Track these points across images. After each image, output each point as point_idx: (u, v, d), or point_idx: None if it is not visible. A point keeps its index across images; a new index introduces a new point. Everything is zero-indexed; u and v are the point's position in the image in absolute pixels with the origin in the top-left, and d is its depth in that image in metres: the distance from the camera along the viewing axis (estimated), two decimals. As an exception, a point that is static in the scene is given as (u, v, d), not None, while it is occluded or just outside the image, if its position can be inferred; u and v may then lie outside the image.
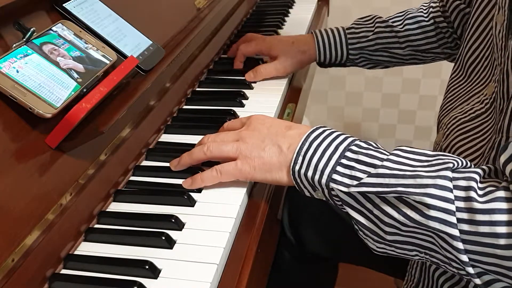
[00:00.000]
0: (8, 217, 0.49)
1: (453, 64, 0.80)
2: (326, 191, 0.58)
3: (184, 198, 0.62)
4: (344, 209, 0.57)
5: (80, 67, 0.62)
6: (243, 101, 0.86)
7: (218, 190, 0.65)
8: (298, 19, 1.26)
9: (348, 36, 0.97)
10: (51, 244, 0.53)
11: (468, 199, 0.49)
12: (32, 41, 0.59)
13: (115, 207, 0.64)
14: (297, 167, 0.59)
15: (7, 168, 0.51)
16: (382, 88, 1.88)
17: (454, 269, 0.53)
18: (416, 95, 1.86)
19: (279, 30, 1.18)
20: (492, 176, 0.54)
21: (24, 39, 0.58)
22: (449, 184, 0.50)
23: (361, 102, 1.93)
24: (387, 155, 0.56)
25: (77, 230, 0.58)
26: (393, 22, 0.97)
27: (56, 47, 0.61)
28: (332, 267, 1.05)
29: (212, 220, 0.60)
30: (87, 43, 0.66)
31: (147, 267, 0.53)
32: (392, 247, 0.56)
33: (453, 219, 0.49)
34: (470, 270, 0.50)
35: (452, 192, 0.49)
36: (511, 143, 0.49)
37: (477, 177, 0.51)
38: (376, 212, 0.54)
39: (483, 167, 0.53)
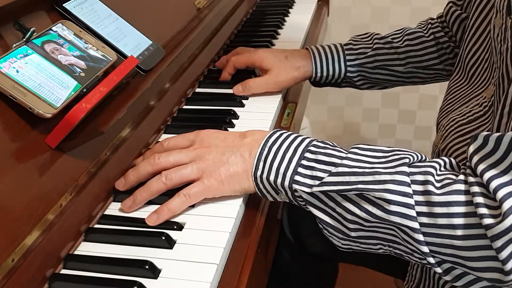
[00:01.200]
0: (8, 217, 0.49)
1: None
2: (289, 193, 0.59)
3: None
4: (308, 208, 0.58)
5: (81, 63, 0.62)
6: (243, 101, 0.86)
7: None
8: (298, 19, 1.26)
9: (346, 52, 0.93)
10: (51, 244, 0.53)
11: (426, 192, 0.51)
12: (32, 41, 0.59)
13: (115, 207, 0.64)
14: (258, 173, 0.60)
15: (7, 168, 0.51)
16: (382, 88, 1.88)
17: (416, 259, 0.55)
18: (416, 95, 1.86)
19: (279, 30, 1.19)
20: (448, 168, 0.55)
21: (24, 39, 0.58)
22: (406, 179, 0.51)
23: (361, 102, 1.93)
24: (345, 154, 0.57)
25: (77, 230, 0.58)
26: (392, 38, 0.94)
27: (58, 46, 0.61)
28: (332, 267, 1.05)
29: (212, 220, 0.60)
30: (87, 43, 0.66)
31: (147, 267, 0.53)
32: (356, 243, 0.58)
33: (412, 213, 0.51)
34: (431, 260, 0.52)
35: (410, 186, 0.51)
36: (480, 134, 0.50)
37: (434, 171, 0.52)
38: (338, 210, 0.55)
39: (439, 160, 0.55)
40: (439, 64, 0.92)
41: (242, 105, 0.85)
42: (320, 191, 0.56)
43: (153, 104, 0.76)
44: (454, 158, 0.65)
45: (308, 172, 0.57)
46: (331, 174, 0.55)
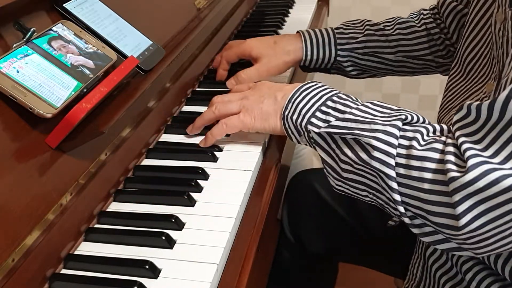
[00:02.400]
0: (8, 217, 0.49)
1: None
2: (305, 133, 0.65)
3: (184, 198, 0.62)
4: (316, 149, 0.64)
5: (90, 63, 0.62)
6: (243, 101, 0.86)
7: (218, 190, 0.65)
8: (298, 19, 1.26)
9: (337, 36, 0.92)
10: (51, 244, 0.53)
11: (409, 147, 0.55)
12: (32, 41, 0.59)
13: (115, 207, 0.64)
14: (286, 112, 0.67)
15: (7, 168, 0.51)
16: (382, 88, 1.88)
17: (392, 210, 0.59)
18: (416, 95, 1.86)
19: (279, 30, 1.19)
20: (445, 134, 0.58)
21: (24, 39, 0.58)
22: (396, 132, 0.56)
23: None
24: (358, 105, 0.63)
25: (77, 230, 0.58)
26: (384, 26, 0.93)
27: (65, 44, 0.61)
28: (332, 267, 1.05)
29: (212, 220, 0.60)
30: (87, 43, 0.66)
31: (147, 267, 0.53)
32: (347, 184, 0.62)
33: (391, 161, 0.55)
34: (401, 209, 0.56)
35: (397, 139, 0.56)
36: (465, 104, 0.53)
37: (424, 131, 0.57)
38: (337, 151, 0.61)
39: (435, 125, 0.59)
40: (429, 55, 0.92)
41: (242, 105, 0.85)
42: (326, 132, 0.61)
43: (153, 104, 0.76)
44: None
45: (323, 116, 0.63)
46: (338, 119, 0.62)
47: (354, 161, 0.58)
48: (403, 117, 0.58)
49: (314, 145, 0.64)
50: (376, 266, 0.93)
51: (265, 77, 0.88)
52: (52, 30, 0.63)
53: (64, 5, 0.67)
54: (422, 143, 0.55)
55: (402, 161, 0.55)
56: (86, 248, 0.58)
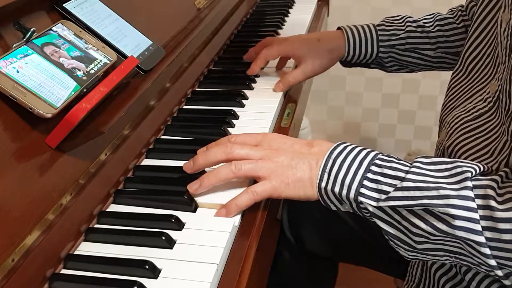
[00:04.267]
0: (8, 217, 0.49)
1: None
2: (354, 204, 0.59)
3: (184, 198, 0.62)
4: (373, 220, 0.58)
5: (83, 66, 0.62)
6: (243, 101, 0.86)
7: (218, 190, 0.65)
8: (298, 19, 1.26)
9: (379, 32, 0.93)
10: (51, 244, 0.53)
11: (488, 207, 0.51)
12: (32, 41, 0.59)
13: (115, 207, 0.64)
14: (323, 184, 0.60)
15: (7, 168, 0.51)
16: (382, 88, 1.88)
17: (484, 270, 0.55)
18: (416, 95, 1.87)
19: (279, 30, 1.19)
20: (511, 178, 0.55)
21: (24, 39, 0.58)
22: (470, 193, 0.52)
23: (361, 102, 1.93)
24: (409, 167, 0.57)
25: (77, 230, 0.58)
26: (424, 22, 0.94)
27: (57, 49, 0.61)
28: (332, 267, 1.05)
29: (212, 220, 0.60)
30: (87, 43, 0.66)
31: (147, 267, 0.53)
32: (423, 254, 0.58)
33: (478, 227, 0.51)
34: (499, 272, 0.53)
35: (474, 201, 0.51)
36: None
37: (495, 185, 0.52)
38: (404, 223, 0.56)
39: (500, 173, 0.55)
40: None
41: (242, 105, 0.85)
42: (387, 206, 0.56)
43: (153, 104, 0.76)
44: (461, 154, 0.65)
45: (373, 185, 0.57)
46: (397, 188, 0.55)
47: (431, 233, 0.54)
48: (469, 174, 0.53)
49: (367, 215, 0.59)
50: (376, 266, 0.93)
51: (310, 77, 0.90)
52: (52, 30, 0.63)
53: (64, 5, 0.67)
54: (499, 199, 0.51)
55: (488, 224, 0.51)
56: (86, 248, 0.58)
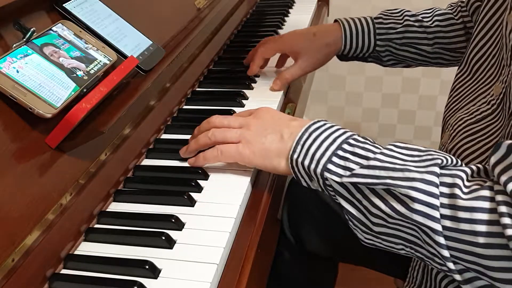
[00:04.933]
0: (8, 217, 0.49)
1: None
2: (321, 181, 0.59)
3: (184, 198, 0.62)
4: (337, 199, 0.58)
5: (83, 66, 0.62)
6: (243, 101, 0.86)
7: (218, 190, 0.65)
8: (298, 19, 1.26)
9: (377, 26, 0.92)
10: (51, 244, 0.53)
11: (452, 195, 0.50)
12: (32, 41, 0.59)
13: (115, 207, 0.64)
14: (295, 156, 0.60)
15: (7, 168, 0.51)
16: (382, 88, 1.88)
17: (437, 265, 0.54)
18: (416, 95, 1.86)
19: (279, 30, 1.19)
20: (482, 175, 0.54)
21: (24, 39, 0.58)
22: (435, 179, 0.50)
23: (361, 102, 1.93)
24: (381, 149, 0.57)
25: (77, 230, 0.58)
26: (422, 17, 0.93)
27: (56, 49, 0.61)
28: (332, 267, 1.05)
29: (212, 220, 0.60)
30: (87, 43, 0.66)
31: (147, 267, 0.53)
32: (379, 238, 0.57)
33: (436, 214, 0.50)
34: (451, 265, 0.51)
35: (438, 187, 0.50)
36: (503, 143, 0.49)
37: (464, 175, 0.51)
38: (365, 202, 0.55)
39: (472, 166, 0.54)
40: (466, 48, 0.91)
41: (242, 105, 0.85)
42: (350, 182, 0.55)
43: (153, 104, 0.76)
44: (463, 158, 0.64)
45: (341, 162, 0.57)
46: (363, 166, 0.55)
47: (389, 214, 0.53)
48: (439, 161, 0.52)
49: (332, 193, 0.59)
50: (376, 266, 0.93)
51: (308, 72, 0.89)
52: (52, 30, 0.63)
53: (64, 5, 0.67)
54: (465, 190, 0.50)
55: (447, 212, 0.49)
56: (86, 248, 0.58)
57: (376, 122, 1.96)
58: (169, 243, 0.56)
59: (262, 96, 0.89)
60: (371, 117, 1.95)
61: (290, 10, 1.32)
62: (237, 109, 0.83)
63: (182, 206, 0.62)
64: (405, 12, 0.94)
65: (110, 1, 0.74)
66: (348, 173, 0.56)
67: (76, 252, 0.57)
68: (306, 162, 0.59)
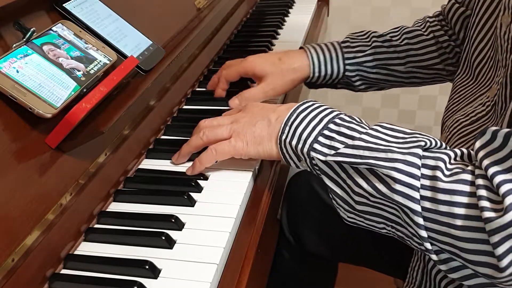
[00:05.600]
0: (8, 217, 0.49)
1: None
2: (307, 160, 0.60)
3: (184, 198, 0.62)
4: (322, 177, 0.59)
5: (82, 66, 0.62)
6: (243, 101, 0.86)
7: (218, 190, 0.65)
8: (298, 19, 1.26)
9: (344, 50, 0.89)
10: (51, 244, 0.53)
11: (433, 178, 0.50)
12: (32, 41, 0.59)
13: (115, 207, 0.64)
14: (283, 136, 0.62)
15: (7, 168, 0.51)
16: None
17: (416, 244, 0.55)
18: (416, 95, 1.86)
19: (279, 30, 1.19)
20: (465, 159, 0.54)
21: (24, 39, 0.58)
22: (417, 161, 0.51)
23: (361, 102, 1.93)
24: (367, 129, 0.58)
25: (77, 230, 0.58)
26: (391, 36, 0.90)
27: (56, 49, 0.61)
28: (332, 267, 1.05)
29: (212, 220, 0.60)
30: (87, 43, 0.66)
31: (147, 267, 0.53)
32: (361, 217, 0.58)
33: (416, 195, 0.51)
34: (428, 246, 0.52)
35: (419, 169, 0.51)
36: (488, 129, 0.50)
37: (446, 158, 0.52)
38: (348, 181, 0.56)
39: (456, 150, 0.55)
40: (440, 64, 0.89)
41: (242, 105, 0.85)
42: (334, 161, 0.57)
43: (153, 104, 0.76)
44: None
45: (327, 141, 0.58)
46: (347, 146, 0.56)
47: (371, 193, 0.54)
48: (422, 143, 0.53)
49: (318, 172, 0.60)
50: (376, 267, 0.93)
51: (271, 97, 0.85)
52: (52, 30, 0.63)
53: (64, 5, 0.67)
54: (447, 173, 0.51)
55: (427, 194, 0.50)
56: (86, 248, 0.58)
57: (376, 122, 1.96)
58: (169, 243, 0.56)
59: (262, 96, 0.89)
60: (371, 117, 1.95)
61: (290, 10, 1.32)
62: (237, 109, 0.83)
63: (182, 206, 0.62)
64: (372, 33, 0.91)
65: (110, 1, 0.74)
66: (333, 152, 0.57)
67: (76, 252, 0.57)
68: (294, 142, 0.60)
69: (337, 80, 0.92)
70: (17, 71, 0.55)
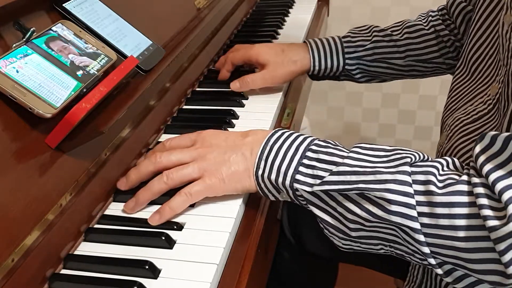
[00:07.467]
0: (8, 217, 0.49)
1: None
2: (290, 192, 0.58)
3: (184, 198, 0.62)
4: (309, 208, 0.58)
5: (90, 63, 0.62)
6: (243, 101, 0.86)
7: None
8: (298, 19, 1.26)
9: (345, 44, 0.92)
10: (51, 244, 0.53)
11: (427, 192, 0.50)
12: (32, 41, 0.59)
13: (115, 207, 0.64)
14: (260, 172, 0.60)
15: (7, 168, 0.51)
16: (382, 88, 1.88)
17: (417, 260, 0.54)
18: (416, 95, 1.87)
19: (279, 30, 1.19)
20: (452, 168, 0.54)
21: (24, 39, 0.58)
22: (408, 178, 0.51)
23: (361, 102, 1.93)
24: (347, 153, 0.57)
25: (77, 230, 0.58)
26: (392, 31, 0.92)
27: (66, 45, 0.61)
28: (332, 267, 1.05)
29: (212, 220, 0.60)
30: (87, 43, 0.66)
31: (147, 267, 0.53)
32: (357, 243, 0.57)
33: (413, 213, 0.50)
34: (432, 261, 0.52)
35: (411, 186, 0.50)
36: (487, 134, 0.49)
37: (436, 171, 0.52)
38: (339, 209, 0.55)
39: (441, 160, 0.54)
40: (439, 58, 0.91)
41: (242, 105, 0.85)
42: (321, 190, 0.55)
43: (153, 104, 0.76)
44: (459, 158, 0.64)
45: (309, 171, 0.57)
46: (332, 173, 0.55)
47: (366, 218, 0.53)
48: (408, 159, 0.53)
49: (303, 203, 0.58)
50: (376, 266, 0.93)
51: (269, 84, 0.88)
52: (52, 30, 0.63)
53: (63, 5, 0.67)
54: (440, 185, 0.50)
55: (425, 209, 0.50)
56: (86, 248, 0.58)
57: (376, 122, 1.96)
58: (169, 243, 0.56)
59: (262, 96, 0.89)
60: (371, 117, 1.95)
61: (290, 10, 1.32)
62: (237, 109, 0.83)
63: (182, 206, 0.62)
64: (373, 28, 0.93)
65: (110, 1, 0.74)
66: (318, 181, 0.55)
67: (76, 252, 0.57)
68: (273, 176, 0.58)
69: (338, 73, 0.94)
70: (17, 71, 0.55)
